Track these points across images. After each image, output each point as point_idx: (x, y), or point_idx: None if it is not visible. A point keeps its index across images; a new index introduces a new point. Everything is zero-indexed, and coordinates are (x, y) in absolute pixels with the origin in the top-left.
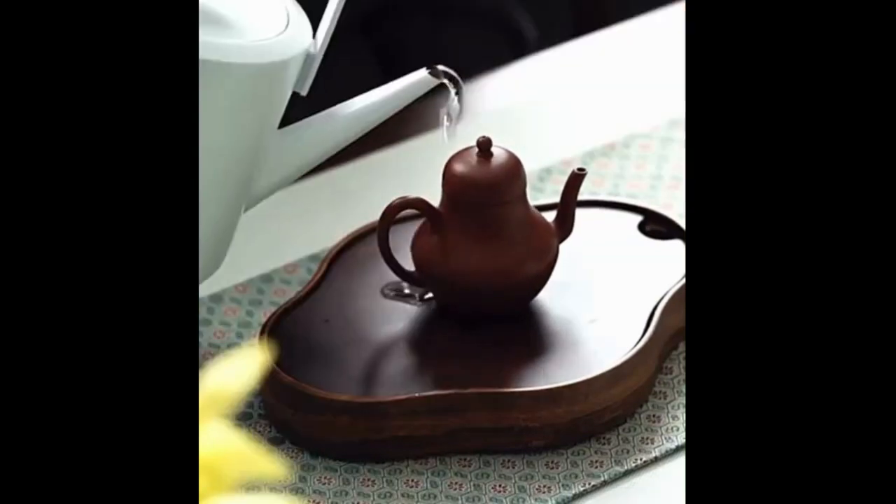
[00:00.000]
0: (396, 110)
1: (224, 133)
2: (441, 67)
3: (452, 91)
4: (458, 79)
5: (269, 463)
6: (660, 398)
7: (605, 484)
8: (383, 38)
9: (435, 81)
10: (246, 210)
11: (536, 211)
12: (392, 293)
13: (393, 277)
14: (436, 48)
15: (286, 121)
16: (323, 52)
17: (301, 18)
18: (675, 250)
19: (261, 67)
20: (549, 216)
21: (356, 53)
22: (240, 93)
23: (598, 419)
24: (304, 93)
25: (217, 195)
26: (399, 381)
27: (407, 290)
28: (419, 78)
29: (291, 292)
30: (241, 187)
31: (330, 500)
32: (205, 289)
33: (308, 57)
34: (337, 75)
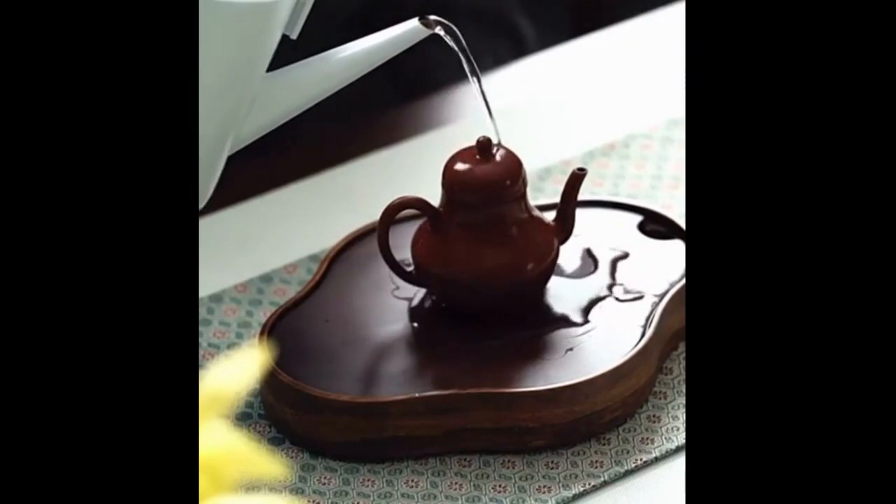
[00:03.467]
0: (386, 59)
1: (212, 71)
2: (433, 17)
3: (448, 39)
4: (453, 27)
5: (269, 463)
6: (660, 398)
7: (605, 484)
8: None
9: (426, 31)
10: (232, 151)
11: (536, 211)
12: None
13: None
14: (435, 48)
15: (275, 67)
16: None
17: None
18: (675, 250)
19: (251, 6)
20: (549, 216)
21: None
22: (229, 31)
23: (598, 419)
24: (294, 36)
25: (203, 133)
26: (399, 381)
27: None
28: (411, 27)
29: (291, 292)
30: (228, 127)
31: (330, 500)
32: (205, 289)
33: (299, 0)
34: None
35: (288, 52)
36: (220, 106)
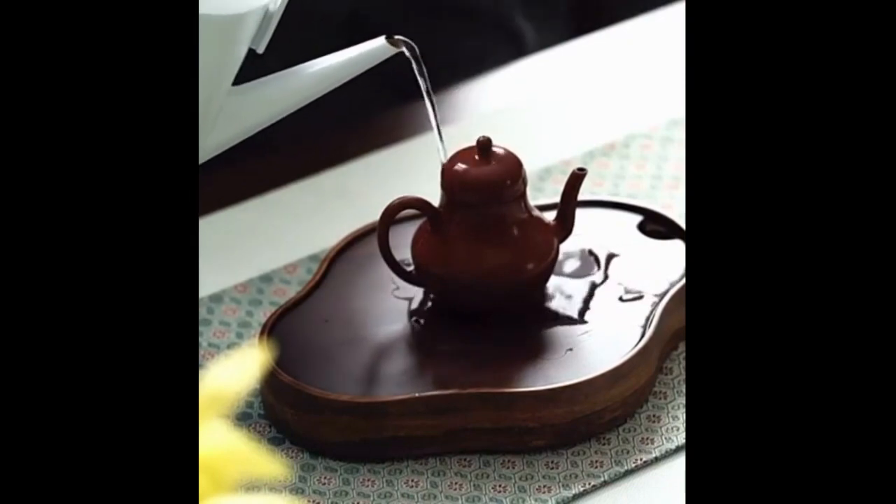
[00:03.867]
0: (352, 76)
1: None
2: (399, 37)
3: (412, 62)
4: (415, 48)
5: (269, 463)
6: (660, 398)
7: (605, 484)
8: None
9: (393, 50)
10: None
11: (536, 211)
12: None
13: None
14: (434, 48)
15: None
16: (282, 11)
17: None
18: (675, 250)
19: (218, 19)
20: (549, 216)
21: None
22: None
23: (598, 419)
24: (260, 50)
25: None
26: (399, 381)
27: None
28: (377, 45)
29: (291, 292)
30: None
31: (330, 500)
32: (205, 289)
33: (267, 14)
34: None
35: (270, 65)
36: None
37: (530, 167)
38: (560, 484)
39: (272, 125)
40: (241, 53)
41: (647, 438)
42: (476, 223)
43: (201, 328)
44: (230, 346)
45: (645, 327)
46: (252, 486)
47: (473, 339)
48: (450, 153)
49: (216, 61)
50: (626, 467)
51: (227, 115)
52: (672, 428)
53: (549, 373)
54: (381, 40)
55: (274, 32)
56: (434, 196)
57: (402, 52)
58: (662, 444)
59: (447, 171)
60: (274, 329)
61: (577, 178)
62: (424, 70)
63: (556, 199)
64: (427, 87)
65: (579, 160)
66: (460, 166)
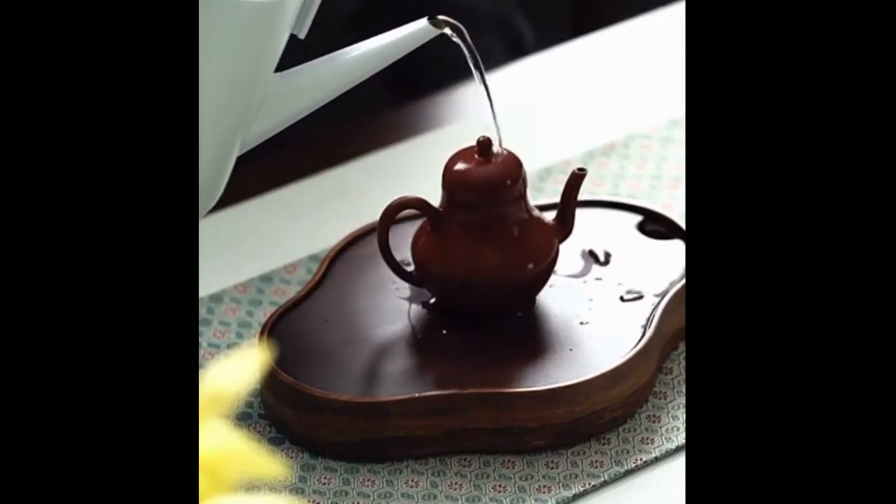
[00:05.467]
0: (395, 59)
1: (219, 72)
2: (442, 17)
3: (456, 39)
4: (461, 27)
5: (269, 463)
6: (660, 398)
7: (605, 484)
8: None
9: (436, 31)
10: (241, 152)
11: (536, 211)
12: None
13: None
14: (434, 47)
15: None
16: None
17: None
18: (675, 250)
19: (257, 6)
20: (549, 216)
21: None
22: (235, 31)
23: (598, 419)
24: (302, 35)
25: (212, 133)
26: (399, 381)
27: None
28: (420, 27)
29: (291, 292)
30: (236, 128)
31: (330, 500)
32: (205, 289)
33: None
34: None
35: (293, 54)
36: (227, 107)
37: (530, 167)
38: (560, 484)
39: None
40: (283, 39)
41: (647, 438)
42: (476, 223)
43: (201, 328)
44: (230, 346)
45: (645, 327)
46: (252, 486)
47: (473, 339)
48: (450, 153)
49: (258, 49)
50: (626, 467)
51: (271, 101)
52: (672, 428)
53: (549, 373)
54: (423, 22)
55: None
56: (434, 196)
57: (445, 34)
58: (662, 444)
59: (447, 171)
60: (274, 329)
61: (577, 178)
62: (473, 48)
63: (556, 199)
64: (478, 63)
65: (579, 160)
66: (460, 166)
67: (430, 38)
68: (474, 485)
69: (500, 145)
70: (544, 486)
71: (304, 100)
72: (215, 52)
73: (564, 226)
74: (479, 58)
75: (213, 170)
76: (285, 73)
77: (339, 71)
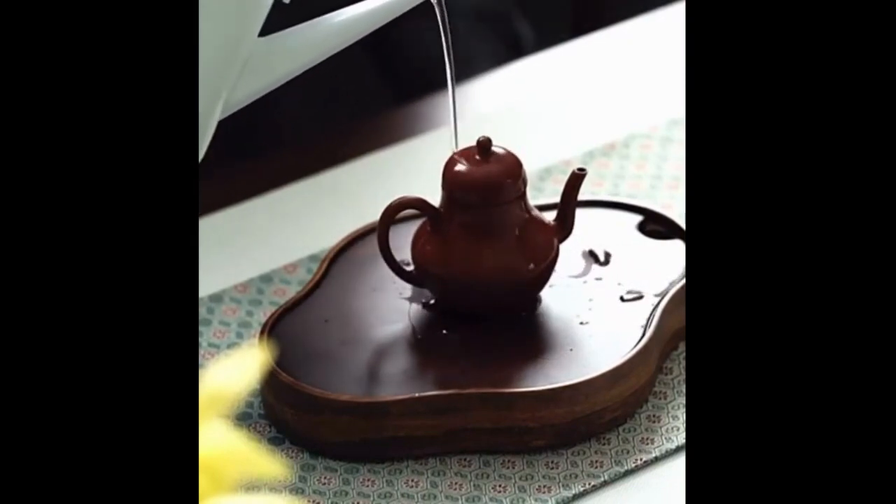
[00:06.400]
0: (380, 24)
1: (203, 35)
2: None
3: (437, 9)
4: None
5: (269, 463)
6: (660, 398)
7: (605, 484)
8: (379, 38)
9: None
10: (223, 116)
11: (536, 211)
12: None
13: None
14: (433, 48)
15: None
16: None
17: None
18: (675, 250)
19: None
20: (549, 216)
21: (350, 54)
22: None
23: (598, 419)
24: (286, 0)
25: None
26: (399, 381)
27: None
28: None
29: (291, 292)
30: (218, 91)
31: (330, 500)
32: (205, 289)
33: None
34: (331, 72)
35: (276, 18)
36: (210, 70)
37: (530, 167)
38: (560, 484)
39: (272, 125)
40: (267, 3)
41: (647, 438)
42: (476, 223)
43: (201, 328)
44: (230, 346)
45: (645, 327)
46: (252, 486)
47: (473, 339)
48: (450, 153)
49: (242, 12)
50: (626, 467)
51: (255, 64)
52: (672, 428)
53: (549, 373)
54: None
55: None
56: (434, 196)
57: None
58: (662, 444)
59: (447, 171)
60: (274, 329)
61: (577, 178)
62: (447, 21)
63: (556, 199)
64: (447, 39)
65: (579, 160)
66: (460, 166)
67: (416, 5)
68: (474, 485)
69: (455, 136)
70: (544, 486)
71: (288, 63)
72: (199, 16)
73: (564, 226)
74: (448, 30)
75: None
76: (270, 37)
77: (324, 35)
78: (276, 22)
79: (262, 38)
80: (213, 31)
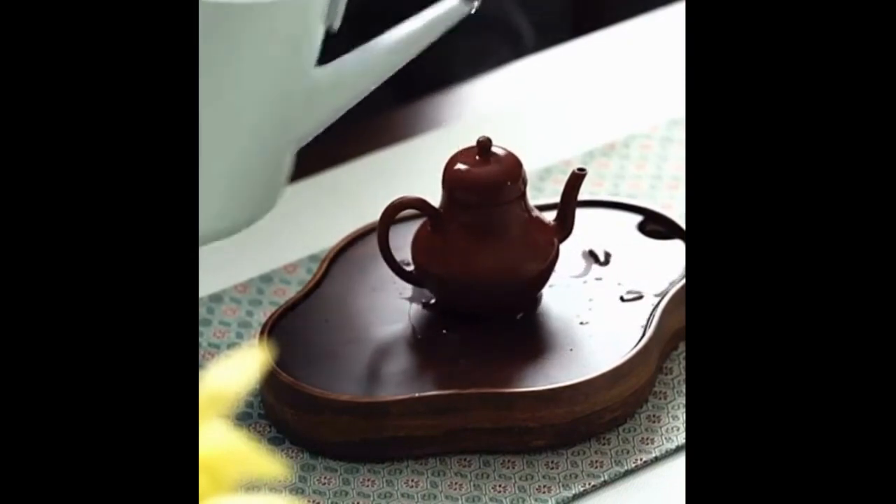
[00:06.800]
0: (431, 41)
1: (259, 73)
2: None
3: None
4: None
5: (269, 463)
6: (660, 398)
7: (605, 484)
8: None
9: (466, 8)
10: (296, 148)
11: (536, 211)
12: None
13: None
14: (434, 47)
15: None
16: None
17: None
18: (675, 250)
19: (285, 4)
20: (549, 216)
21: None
22: (268, 31)
23: (598, 419)
24: (335, 27)
25: (261, 137)
26: (399, 381)
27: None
28: (452, 6)
29: (291, 292)
30: (286, 126)
31: (330, 500)
32: (205, 289)
33: None
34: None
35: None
36: (272, 107)
37: (530, 167)
38: (560, 484)
39: None
40: (318, 32)
41: (647, 438)
42: (476, 223)
43: (201, 328)
44: (230, 346)
45: (645, 327)
46: (252, 486)
47: (473, 339)
48: (450, 153)
49: (295, 45)
50: (626, 467)
51: (318, 95)
52: (672, 428)
53: (549, 373)
54: (453, 1)
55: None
56: (434, 196)
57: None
58: (662, 444)
59: (447, 171)
60: (274, 329)
61: (577, 178)
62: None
63: (556, 199)
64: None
65: (579, 160)
66: (460, 166)
67: (462, 17)
68: (474, 485)
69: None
70: (544, 486)
71: (351, 90)
72: (252, 56)
73: (564, 226)
74: None
75: (269, 171)
76: (327, 66)
77: (380, 58)
78: (329, 48)
79: (320, 68)
80: (270, 68)
